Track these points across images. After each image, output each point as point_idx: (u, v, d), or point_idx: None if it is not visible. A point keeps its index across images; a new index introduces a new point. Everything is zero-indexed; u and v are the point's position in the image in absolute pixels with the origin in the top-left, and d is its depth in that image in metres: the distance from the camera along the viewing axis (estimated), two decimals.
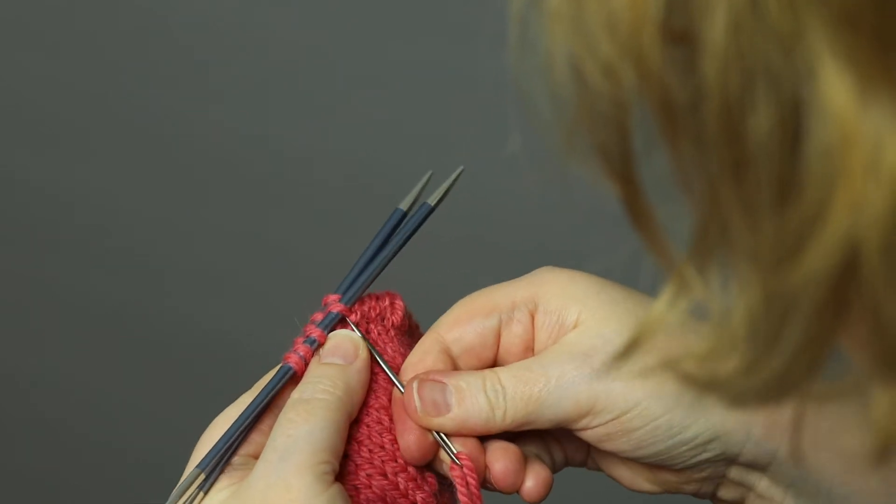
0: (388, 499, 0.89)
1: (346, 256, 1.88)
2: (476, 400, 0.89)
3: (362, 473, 0.89)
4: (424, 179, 0.96)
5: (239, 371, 1.92)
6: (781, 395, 0.60)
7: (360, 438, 0.89)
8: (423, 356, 0.91)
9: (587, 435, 0.89)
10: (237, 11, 1.86)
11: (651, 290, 0.60)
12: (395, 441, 0.89)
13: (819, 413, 0.84)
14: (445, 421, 0.89)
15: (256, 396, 0.90)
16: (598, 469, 0.95)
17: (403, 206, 0.96)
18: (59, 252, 1.99)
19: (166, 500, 0.88)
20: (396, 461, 0.89)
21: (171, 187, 1.94)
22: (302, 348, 0.92)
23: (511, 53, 0.57)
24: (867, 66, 0.52)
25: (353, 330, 0.92)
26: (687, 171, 0.57)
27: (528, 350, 0.92)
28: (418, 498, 0.89)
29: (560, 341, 0.89)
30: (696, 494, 0.92)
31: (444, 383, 0.89)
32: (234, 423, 0.89)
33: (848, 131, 0.52)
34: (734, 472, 0.89)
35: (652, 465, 0.90)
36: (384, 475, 0.89)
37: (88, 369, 2.02)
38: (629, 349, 0.69)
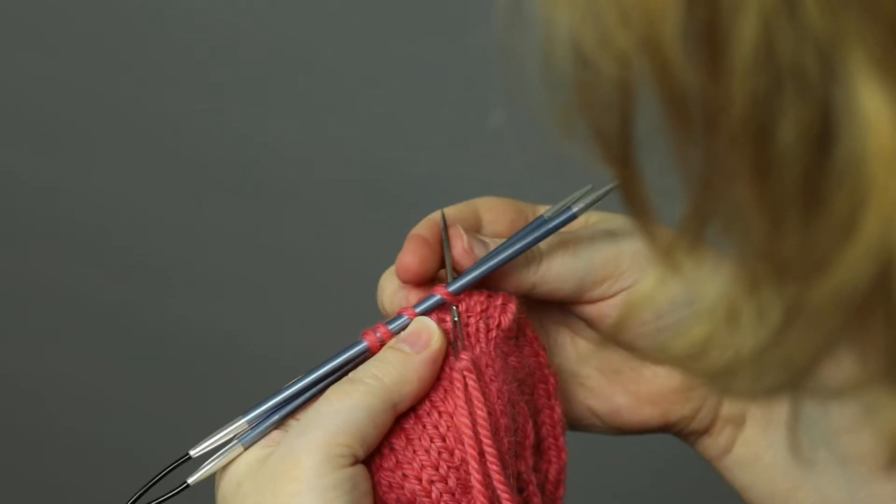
0: None
1: (346, 256, 1.88)
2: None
3: (399, 472, 0.86)
4: (581, 191, 0.91)
5: (240, 371, 1.92)
6: (784, 388, 0.59)
7: (412, 436, 0.86)
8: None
9: (605, 309, 0.88)
10: (237, 11, 1.85)
11: None
12: (443, 449, 0.86)
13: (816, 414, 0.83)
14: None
15: (322, 365, 0.89)
16: (597, 425, 0.94)
17: (548, 214, 0.92)
18: (59, 251, 1.99)
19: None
20: (437, 469, 0.85)
21: (172, 187, 1.94)
22: (381, 328, 0.89)
23: (499, 29, 0.56)
24: None
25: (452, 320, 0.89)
26: (691, 159, 0.55)
27: None
28: None
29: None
30: (690, 430, 0.91)
31: (486, 243, 0.90)
32: (289, 385, 0.88)
33: (884, 144, 0.51)
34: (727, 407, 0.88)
35: (655, 364, 0.88)
36: (419, 479, 0.85)
37: (87, 369, 2.01)
38: (617, 327, 0.68)
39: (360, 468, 0.84)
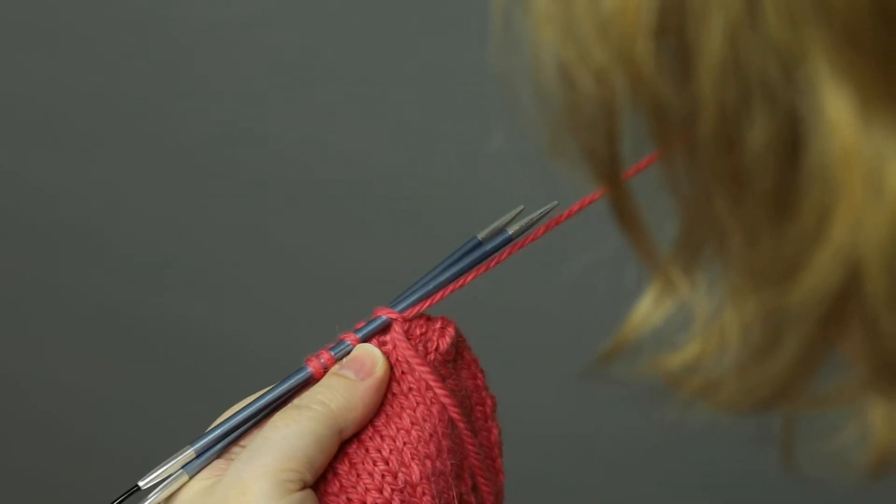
0: None
1: (346, 257, 1.88)
2: None
3: (343, 496, 0.86)
4: (513, 213, 0.92)
5: (238, 372, 1.93)
6: (774, 402, 0.59)
7: (354, 460, 0.87)
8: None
9: None
10: (236, 11, 1.86)
11: (636, 289, 0.60)
12: (386, 472, 0.87)
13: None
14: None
15: (266, 392, 0.90)
16: None
17: (481, 235, 0.92)
18: (58, 252, 1.99)
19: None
20: (381, 492, 0.86)
21: (170, 187, 1.94)
22: (325, 354, 0.90)
23: (493, 50, 0.57)
24: (869, 83, 0.51)
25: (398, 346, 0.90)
26: (677, 175, 0.56)
27: None
28: None
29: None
30: None
31: None
32: (235, 414, 0.89)
33: (848, 148, 0.51)
34: None
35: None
36: (364, 503, 0.86)
37: (87, 369, 2.02)
38: (613, 350, 0.68)
39: (308, 493, 0.85)
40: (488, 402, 0.93)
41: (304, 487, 0.84)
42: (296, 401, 0.87)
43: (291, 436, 0.84)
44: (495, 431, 0.93)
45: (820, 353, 0.56)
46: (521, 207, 0.92)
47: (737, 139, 0.54)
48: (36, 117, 1.95)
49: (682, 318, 0.64)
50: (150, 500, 0.87)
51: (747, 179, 0.54)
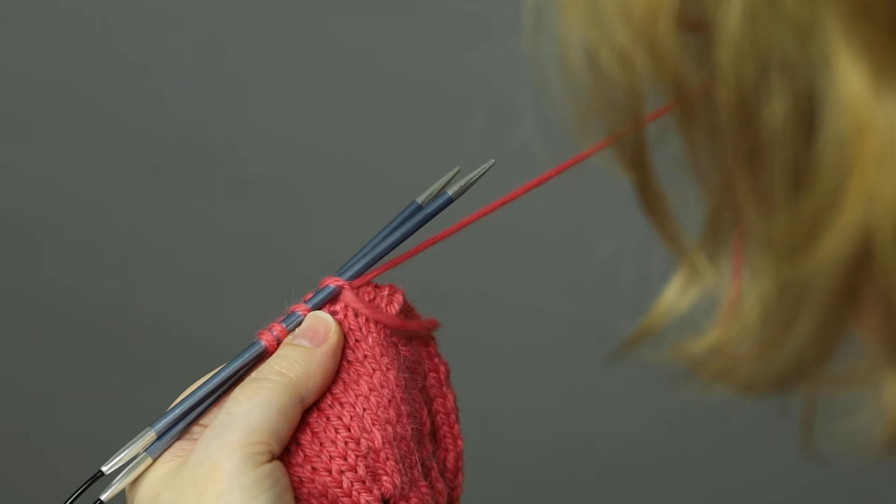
0: (329, 496, 0.86)
1: (342, 256, 1.88)
2: None
3: (308, 466, 0.87)
4: (450, 174, 0.93)
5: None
6: (794, 381, 0.60)
7: (316, 429, 0.88)
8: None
9: None
10: (236, 11, 1.86)
11: (662, 276, 0.60)
12: (349, 439, 0.87)
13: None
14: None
15: (221, 369, 0.90)
16: None
17: (421, 199, 0.93)
18: (57, 252, 1.99)
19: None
20: (346, 459, 0.87)
21: (172, 187, 1.94)
22: (277, 327, 0.91)
23: (525, 39, 0.58)
24: (882, 57, 0.53)
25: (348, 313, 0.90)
26: (700, 158, 0.57)
27: None
28: (362, 499, 0.86)
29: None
30: None
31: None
32: (193, 392, 0.89)
33: (862, 121, 0.53)
34: None
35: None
36: (329, 471, 0.86)
37: (85, 369, 2.02)
38: (639, 337, 0.69)
39: (277, 464, 0.85)
40: (441, 368, 0.94)
41: (272, 459, 0.85)
42: (254, 374, 0.88)
43: (255, 409, 0.85)
44: (451, 398, 0.94)
45: (836, 331, 0.57)
46: (458, 168, 0.92)
47: (755, 115, 0.55)
48: (35, 118, 1.95)
49: (705, 302, 0.64)
50: (113, 485, 0.87)
51: (765, 154, 0.55)
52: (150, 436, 0.88)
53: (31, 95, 1.94)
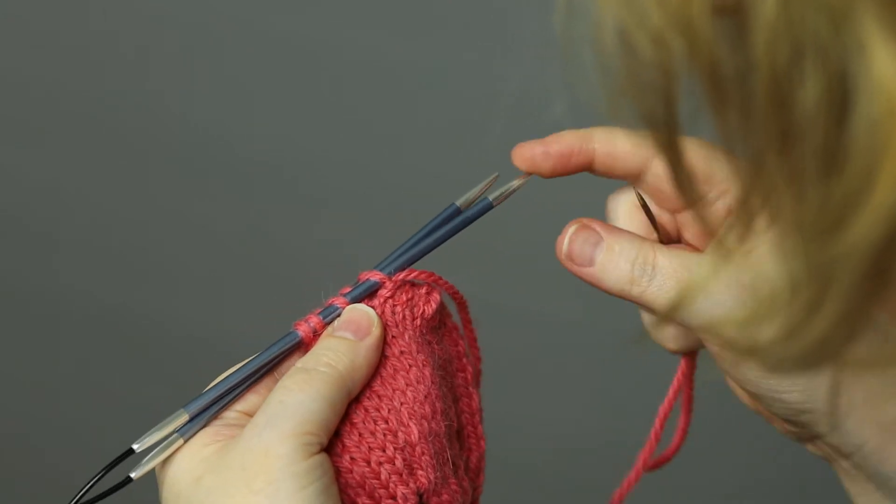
0: (367, 487, 0.87)
1: (342, 256, 1.88)
2: (619, 267, 0.86)
3: (347, 456, 0.87)
4: (489, 179, 0.93)
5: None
6: (820, 362, 0.60)
7: (355, 421, 0.88)
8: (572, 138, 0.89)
9: (709, 344, 0.87)
10: (237, 11, 1.86)
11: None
12: (387, 431, 0.87)
13: (856, 382, 0.84)
14: (582, 272, 0.88)
15: (256, 357, 0.90)
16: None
17: (460, 202, 0.93)
18: (54, 251, 1.99)
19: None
20: (384, 451, 0.87)
21: (167, 186, 1.94)
22: (314, 318, 0.91)
23: (558, 20, 0.58)
24: None
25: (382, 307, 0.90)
26: (732, 140, 0.58)
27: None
28: (399, 492, 0.87)
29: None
30: (787, 435, 0.91)
31: (600, 238, 0.88)
32: (228, 377, 0.89)
33: (895, 104, 0.53)
34: (820, 443, 0.89)
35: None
36: (367, 462, 0.87)
37: (85, 369, 2.01)
38: (670, 313, 0.69)
39: (325, 455, 0.86)
40: (468, 369, 0.94)
41: (321, 450, 0.85)
42: (300, 363, 0.88)
43: (307, 400, 0.85)
44: (476, 398, 0.94)
45: (863, 313, 0.58)
46: (496, 174, 0.93)
47: (789, 98, 0.55)
48: (34, 118, 1.94)
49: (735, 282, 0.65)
50: (147, 463, 0.87)
51: (797, 137, 0.56)
52: (182, 418, 0.88)
53: (31, 95, 1.93)
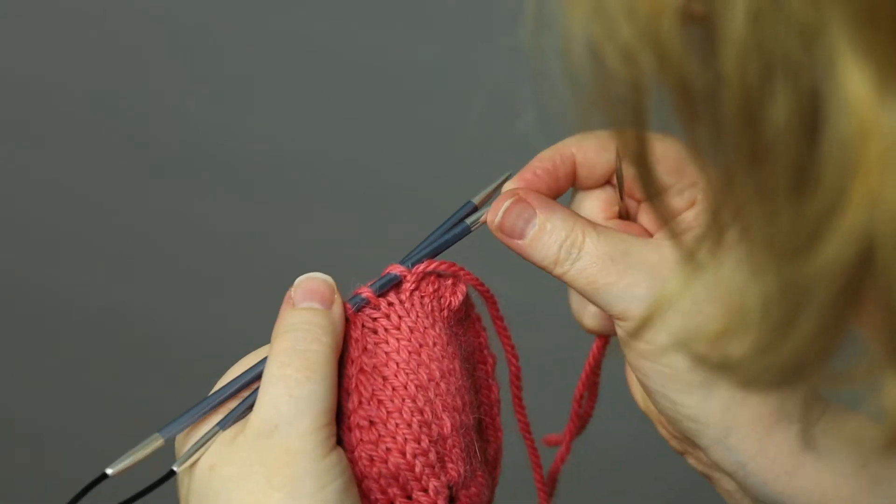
0: (400, 478, 0.86)
1: (343, 255, 1.88)
2: (548, 246, 0.87)
3: (382, 445, 0.86)
4: (503, 177, 0.93)
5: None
6: (794, 379, 0.60)
7: (391, 409, 0.87)
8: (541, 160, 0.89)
9: (619, 330, 0.88)
10: (237, 10, 1.86)
11: None
12: (423, 423, 0.86)
13: (745, 401, 0.83)
14: (511, 243, 0.88)
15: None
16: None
17: (476, 199, 0.93)
18: (54, 251, 1.99)
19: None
20: (419, 443, 0.86)
21: (167, 187, 1.94)
22: (346, 306, 0.89)
23: (526, 32, 0.58)
24: (886, 61, 0.53)
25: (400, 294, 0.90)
26: (702, 154, 0.57)
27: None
28: (430, 485, 0.86)
29: (659, 245, 0.84)
30: (668, 441, 0.92)
31: (533, 214, 0.88)
32: (254, 367, 0.88)
33: (866, 124, 0.53)
34: (702, 454, 0.89)
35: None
36: (403, 453, 0.86)
37: (85, 369, 2.01)
38: (640, 328, 0.69)
39: (339, 450, 0.85)
40: (490, 360, 0.94)
41: (336, 443, 0.85)
42: (285, 343, 0.86)
43: (318, 389, 0.84)
44: (495, 390, 0.94)
45: (837, 330, 0.57)
46: (509, 173, 0.93)
47: (758, 116, 0.55)
48: (33, 118, 1.94)
49: (705, 296, 0.64)
50: (187, 454, 0.86)
51: (768, 155, 0.56)
52: (158, 441, 0.87)
53: (31, 95, 1.93)
